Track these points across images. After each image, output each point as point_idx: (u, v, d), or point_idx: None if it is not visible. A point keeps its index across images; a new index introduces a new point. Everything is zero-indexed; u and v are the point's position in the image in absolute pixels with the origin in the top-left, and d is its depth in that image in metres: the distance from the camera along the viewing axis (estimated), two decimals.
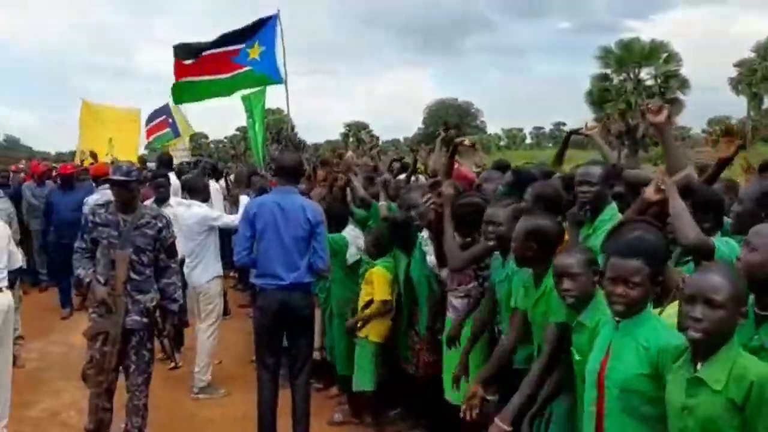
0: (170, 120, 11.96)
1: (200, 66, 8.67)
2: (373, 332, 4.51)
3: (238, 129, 53.88)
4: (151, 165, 11.53)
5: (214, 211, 5.86)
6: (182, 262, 5.13)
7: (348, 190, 5.21)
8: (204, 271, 5.47)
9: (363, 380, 4.53)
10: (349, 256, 4.92)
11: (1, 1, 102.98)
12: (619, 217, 3.03)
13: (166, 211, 4.80)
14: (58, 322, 7.52)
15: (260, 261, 4.21)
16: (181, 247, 4.92)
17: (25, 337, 6.43)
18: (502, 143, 58.49)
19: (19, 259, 4.73)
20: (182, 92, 8.89)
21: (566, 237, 3.01)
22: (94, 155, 10.00)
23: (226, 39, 8.64)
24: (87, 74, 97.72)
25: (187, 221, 5.43)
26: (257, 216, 4.18)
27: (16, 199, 8.24)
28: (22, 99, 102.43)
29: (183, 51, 8.67)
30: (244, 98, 9.07)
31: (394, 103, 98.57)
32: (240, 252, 4.28)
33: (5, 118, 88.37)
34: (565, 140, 4.99)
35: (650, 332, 2.07)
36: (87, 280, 3.97)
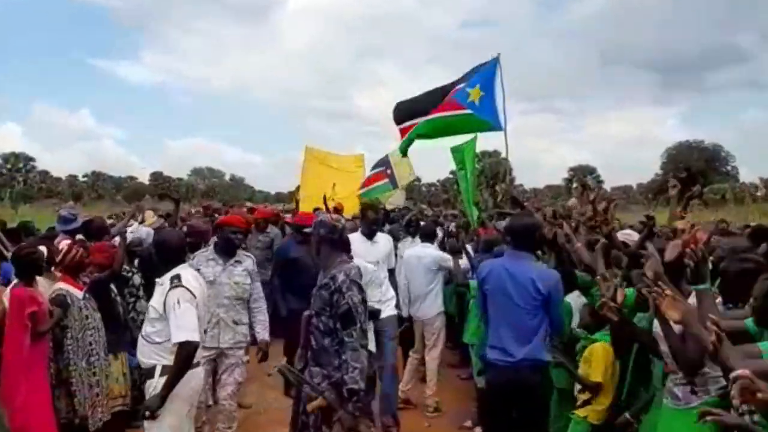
0: (389, 171, 12.63)
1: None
2: (593, 414, 4.33)
3: (452, 172, 55.43)
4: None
5: (445, 255, 6.95)
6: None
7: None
8: (430, 306, 6.77)
9: None
10: (574, 325, 4.77)
11: (230, 53, 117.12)
12: None
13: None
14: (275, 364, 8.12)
15: (490, 330, 4.30)
16: (412, 286, 6.69)
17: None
18: (759, 193, 53.09)
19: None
20: (407, 141, 9.33)
21: None
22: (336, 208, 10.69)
23: (446, 89, 9.03)
24: (308, 117, 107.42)
25: (423, 260, 6.75)
26: (485, 281, 4.34)
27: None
28: (250, 141, 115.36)
29: (401, 113, 9.33)
30: (455, 150, 9.22)
31: (628, 146, 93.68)
32: (480, 315, 4.52)
33: (235, 160, 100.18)
34: None
35: None
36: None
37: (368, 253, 6.18)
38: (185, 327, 3.89)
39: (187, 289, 3.98)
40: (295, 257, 6.73)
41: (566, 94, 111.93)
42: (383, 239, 6.73)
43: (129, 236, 6.06)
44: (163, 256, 4.29)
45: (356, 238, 6.14)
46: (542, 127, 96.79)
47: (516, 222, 4.54)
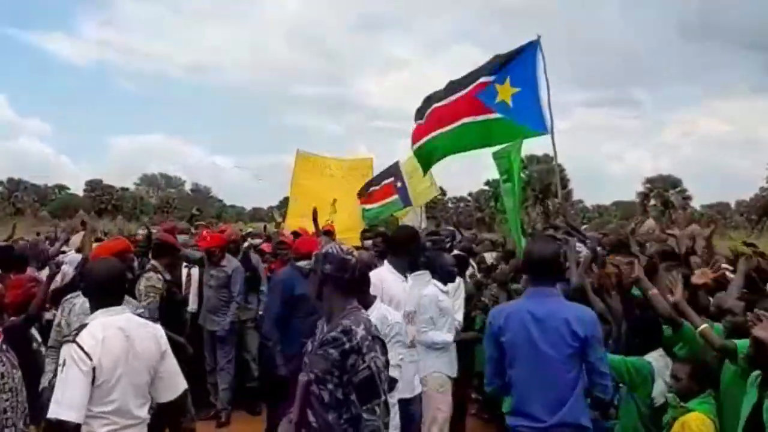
0: (399, 184, 12.40)
1: (439, 115, 9.30)
2: None
3: (488, 183, 55.14)
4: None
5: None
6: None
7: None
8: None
9: None
10: (656, 394, 4.79)
11: (194, 24, 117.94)
12: None
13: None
14: None
15: (513, 392, 4.35)
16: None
17: None
18: None
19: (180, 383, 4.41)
20: (426, 156, 9.55)
21: None
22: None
23: (470, 77, 9.11)
24: (297, 108, 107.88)
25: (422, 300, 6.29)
26: (503, 330, 4.35)
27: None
28: (219, 140, 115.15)
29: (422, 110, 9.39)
30: (499, 156, 9.13)
31: (724, 150, 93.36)
32: (489, 377, 4.53)
33: (198, 163, 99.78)
34: None
35: None
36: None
37: (405, 297, 5.91)
38: (60, 400, 3.81)
39: (79, 346, 3.88)
40: (302, 294, 6.43)
41: (641, 81, 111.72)
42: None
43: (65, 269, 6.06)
44: (87, 294, 4.30)
45: (389, 276, 5.89)
46: (609, 124, 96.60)
47: (534, 248, 4.55)
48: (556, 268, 4.45)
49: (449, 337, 6.53)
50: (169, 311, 6.34)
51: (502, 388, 4.46)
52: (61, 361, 3.88)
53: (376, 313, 5.00)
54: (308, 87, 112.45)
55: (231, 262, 9.07)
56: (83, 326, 4.00)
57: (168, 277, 6.89)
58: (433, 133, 9.34)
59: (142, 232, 10.62)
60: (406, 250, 6.07)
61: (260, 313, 8.92)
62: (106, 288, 4.15)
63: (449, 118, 9.23)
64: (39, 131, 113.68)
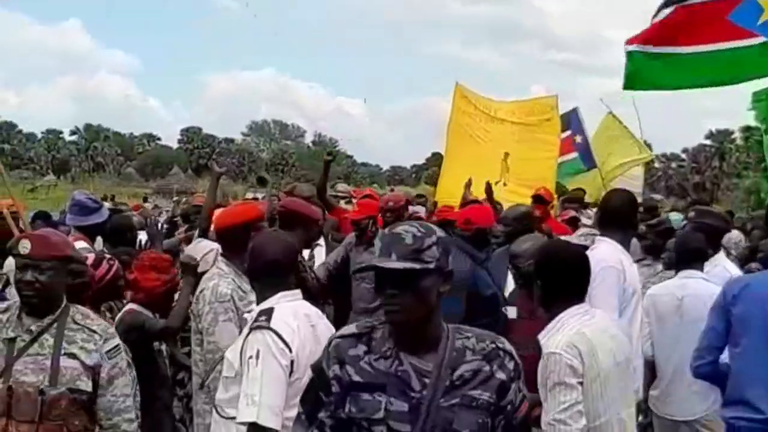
0: (578, 138, 12.03)
1: (668, 26, 8.75)
2: None
3: (710, 135, 52.10)
4: None
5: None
6: None
7: None
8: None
9: None
10: None
11: None
12: None
13: None
14: None
15: (732, 379, 4.56)
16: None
17: None
18: None
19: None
20: (637, 71, 8.92)
21: None
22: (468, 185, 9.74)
23: None
24: (448, 33, 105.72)
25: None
26: (737, 300, 4.58)
27: None
28: (345, 74, 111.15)
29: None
30: (760, 97, 8.75)
31: None
32: (700, 350, 4.82)
33: (319, 108, 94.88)
34: None
35: None
36: None
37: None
38: (259, 401, 3.74)
39: (277, 334, 3.88)
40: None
41: None
42: None
43: None
44: (258, 275, 4.31)
45: (624, 258, 5.21)
46: None
47: None
48: None
49: None
50: None
51: (711, 372, 4.75)
52: (251, 353, 3.85)
53: (583, 325, 3.95)
54: (463, 6, 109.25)
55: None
56: (268, 311, 3.99)
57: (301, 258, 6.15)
58: (663, 48, 8.73)
59: (251, 196, 10.23)
60: (627, 219, 5.44)
61: None
62: (284, 266, 4.24)
63: (690, 36, 8.66)
64: (123, 66, 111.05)
